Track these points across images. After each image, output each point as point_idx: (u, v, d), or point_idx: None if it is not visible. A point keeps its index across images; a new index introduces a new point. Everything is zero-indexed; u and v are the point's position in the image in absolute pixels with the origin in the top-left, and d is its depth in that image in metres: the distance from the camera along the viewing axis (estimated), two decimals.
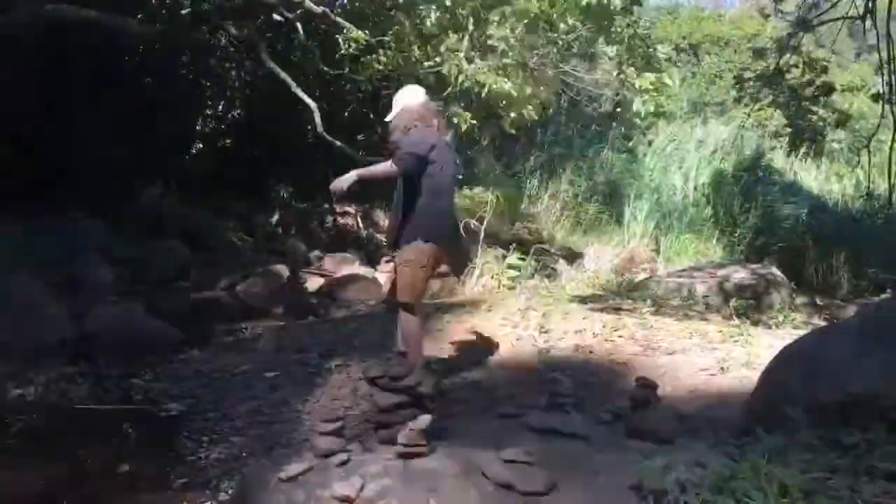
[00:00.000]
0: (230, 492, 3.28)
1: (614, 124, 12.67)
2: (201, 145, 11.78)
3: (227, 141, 12.02)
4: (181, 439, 4.10)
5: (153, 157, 9.61)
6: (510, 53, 7.33)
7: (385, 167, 4.23)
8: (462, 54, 7.30)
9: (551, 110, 11.54)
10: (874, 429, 2.70)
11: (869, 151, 8.25)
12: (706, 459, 2.48)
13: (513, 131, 8.38)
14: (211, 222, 9.31)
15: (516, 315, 6.33)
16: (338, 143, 8.98)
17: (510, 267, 8.43)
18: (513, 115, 7.91)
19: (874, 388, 2.94)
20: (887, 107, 8.15)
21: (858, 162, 11.38)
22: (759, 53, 15.32)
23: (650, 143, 12.86)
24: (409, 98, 4.46)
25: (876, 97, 8.70)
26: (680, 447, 2.74)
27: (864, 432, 2.74)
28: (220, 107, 11.83)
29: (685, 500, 2.23)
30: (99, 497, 3.39)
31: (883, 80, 8.34)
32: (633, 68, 7.77)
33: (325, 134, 8.77)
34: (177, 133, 11.03)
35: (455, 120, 7.67)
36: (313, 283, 8.70)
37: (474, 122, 7.93)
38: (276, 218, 10.78)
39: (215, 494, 3.41)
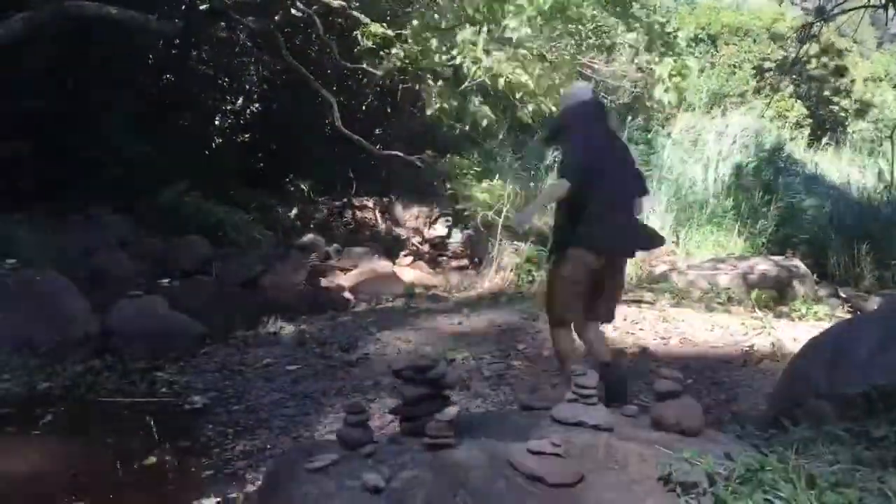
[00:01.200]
0: (256, 483, 3.31)
1: (629, 117, 12.58)
2: (220, 140, 11.86)
3: (246, 136, 12.09)
4: (206, 432, 4.13)
5: (173, 153, 9.69)
6: (525, 45, 7.30)
7: None
8: (479, 47, 7.28)
9: None
10: None
11: (892, 141, 8.15)
12: (733, 451, 2.47)
13: (530, 121, 8.35)
14: (231, 217, 9.36)
15: (535, 308, 6.33)
16: (356, 136, 9.00)
17: (528, 260, 8.42)
18: (531, 106, 7.89)
19: None
20: None
21: (882, 152, 11.24)
22: (778, 42, 15.15)
23: (669, 135, 12.75)
24: None
25: None
26: (706, 439, 2.73)
27: (891, 424, 2.73)
28: (239, 102, 11.90)
29: (713, 492, 2.22)
30: (126, 488, 3.43)
31: None
32: (654, 55, 7.69)
33: (342, 128, 8.79)
34: (196, 128, 11.11)
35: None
36: (333, 276, 8.75)
37: (494, 110, 7.93)
38: (295, 212, 10.84)
39: (242, 486, 3.44)
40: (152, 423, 4.09)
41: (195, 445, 3.95)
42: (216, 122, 11.79)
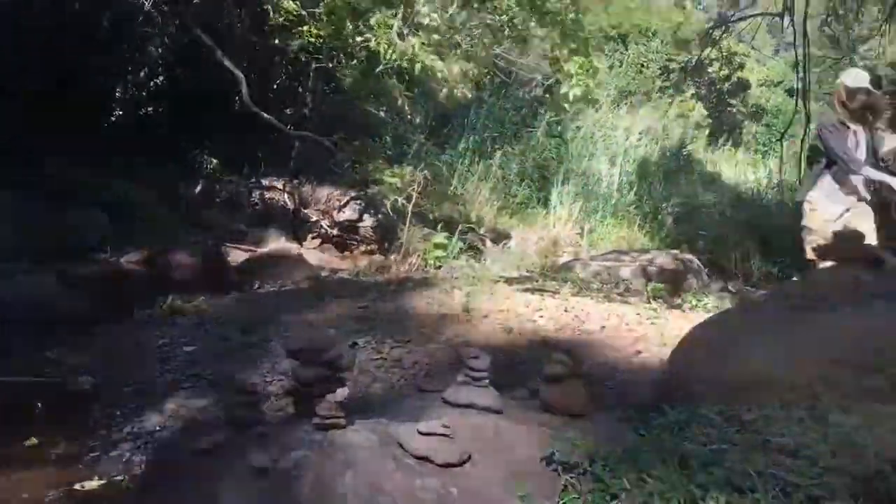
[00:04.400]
0: (143, 465, 3.23)
1: (543, 109, 12.79)
2: (121, 112, 11.33)
3: (149, 109, 11.60)
4: (93, 413, 4.00)
5: (67, 124, 9.19)
6: (440, 30, 7.34)
7: None
8: (394, 30, 7.25)
9: (483, 92, 11.59)
10: (770, 406, 2.86)
11: (782, 144, 8.65)
12: (615, 433, 2.58)
13: (447, 105, 8.41)
14: (131, 192, 8.98)
15: (441, 294, 6.40)
16: (265, 115, 8.81)
17: (436, 246, 8.49)
18: (444, 91, 7.93)
19: (772, 368, 3.11)
20: (801, 102, 8.57)
21: (774, 153, 11.87)
22: (682, 45, 15.73)
23: (579, 129, 13.07)
24: None
25: (791, 92, 9.11)
26: (591, 421, 2.84)
27: (761, 409, 2.91)
28: (142, 74, 11.39)
29: (592, 471, 2.32)
30: (6, 470, 3.28)
31: (797, 77, 8.73)
32: (565, 51, 7.84)
33: (252, 105, 8.59)
34: (93, 99, 10.57)
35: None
36: (237, 257, 8.54)
37: (408, 95, 7.94)
38: (199, 189, 10.50)
39: (128, 468, 3.35)
40: (36, 404, 3.92)
41: (80, 427, 3.82)
42: (117, 94, 11.25)
